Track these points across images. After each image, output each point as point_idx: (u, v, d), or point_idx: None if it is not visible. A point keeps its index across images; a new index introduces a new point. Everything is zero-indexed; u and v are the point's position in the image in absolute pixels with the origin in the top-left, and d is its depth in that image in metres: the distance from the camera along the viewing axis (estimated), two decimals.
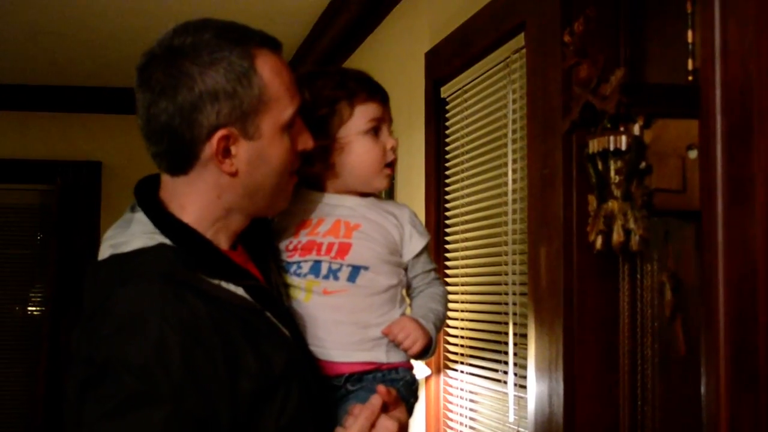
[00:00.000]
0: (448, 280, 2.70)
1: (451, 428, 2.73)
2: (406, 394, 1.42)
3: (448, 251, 2.75)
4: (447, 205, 2.78)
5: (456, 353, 2.68)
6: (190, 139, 1.25)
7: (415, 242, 1.49)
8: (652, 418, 1.67)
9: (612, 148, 1.44)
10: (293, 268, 1.44)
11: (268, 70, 1.28)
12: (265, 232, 1.45)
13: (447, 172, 2.78)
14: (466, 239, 2.61)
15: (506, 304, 2.29)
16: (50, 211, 5.36)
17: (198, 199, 1.30)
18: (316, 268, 1.42)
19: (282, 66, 1.31)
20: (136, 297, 1.20)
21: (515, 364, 2.22)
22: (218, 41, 1.25)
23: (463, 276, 2.63)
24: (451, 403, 2.75)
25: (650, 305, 1.67)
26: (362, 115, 1.46)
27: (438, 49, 2.75)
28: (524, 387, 2.09)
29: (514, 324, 2.23)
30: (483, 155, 2.48)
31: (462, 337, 2.62)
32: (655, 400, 1.67)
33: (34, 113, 5.38)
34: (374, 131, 1.47)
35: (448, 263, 2.75)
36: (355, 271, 1.42)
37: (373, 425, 1.29)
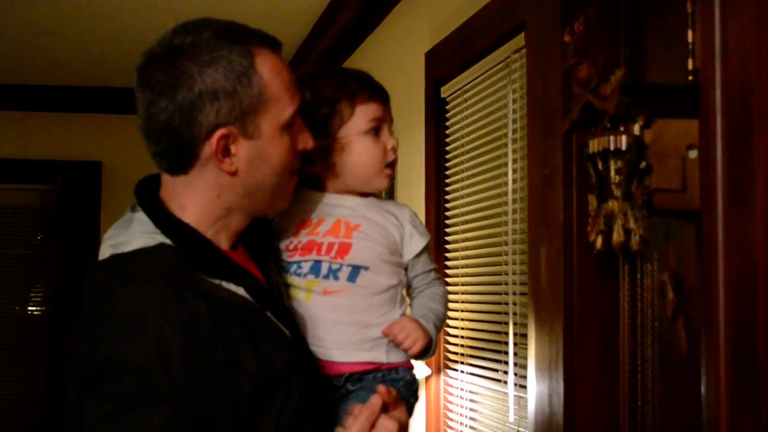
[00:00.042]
0: (448, 280, 2.70)
1: (451, 428, 2.73)
2: (406, 394, 1.42)
3: (448, 251, 2.75)
4: (447, 205, 2.78)
5: (456, 353, 2.68)
6: (189, 138, 1.25)
7: (416, 242, 1.49)
8: (652, 418, 1.67)
9: (612, 147, 1.44)
10: (293, 267, 1.44)
11: (267, 70, 1.28)
12: (266, 232, 1.45)
13: (447, 172, 2.78)
14: (466, 239, 2.61)
15: (506, 304, 2.29)
16: (50, 211, 5.36)
17: (198, 199, 1.30)
18: (316, 268, 1.42)
19: (282, 65, 1.31)
20: (137, 297, 1.20)
21: (515, 364, 2.22)
22: (218, 40, 1.25)
23: (463, 276, 2.63)
24: (451, 403, 2.75)
25: (650, 305, 1.67)
26: (363, 115, 1.46)
27: (438, 49, 2.75)
28: (524, 387, 2.09)
29: (514, 324, 2.23)
30: (483, 155, 2.48)
31: (462, 337, 2.62)
32: (655, 400, 1.67)
33: (34, 113, 5.39)
34: (375, 131, 1.47)
35: (448, 263, 2.75)
36: (356, 271, 1.42)
37: (373, 425, 1.29)
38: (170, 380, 1.15)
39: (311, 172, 1.46)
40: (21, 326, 5.48)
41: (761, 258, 1.06)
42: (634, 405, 1.73)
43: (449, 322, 2.63)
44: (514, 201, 2.23)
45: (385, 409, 1.31)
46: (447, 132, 2.78)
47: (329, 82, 1.46)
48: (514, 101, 2.25)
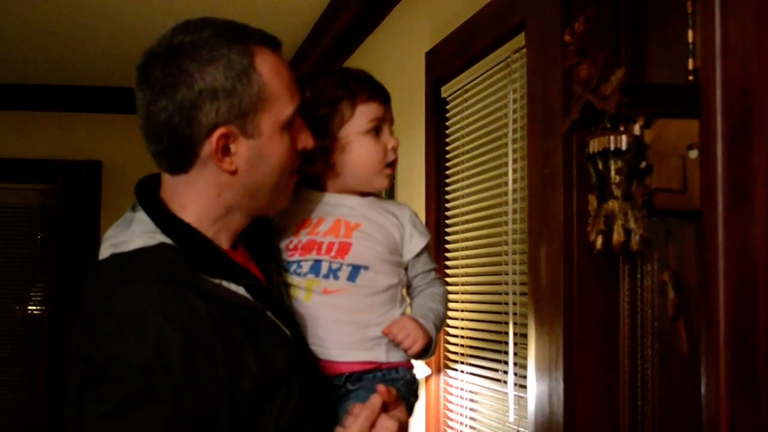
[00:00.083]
0: (448, 280, 2.70)
1: (451, 428, 2.73)
2: (406, 393, 1.42)
3: (448, 251, 2.75)
4: (447, 205, 2.78)
5: (456, 353, 2.68)
6: (189, 138, 1.25)
7: (416, 242, 1.49)
8: (652, 418, 1.67)
9: (612, 147, 1.44)
10: (293, 267, 1.44)
11: (267, 69, 1.27)
12: (266, 232, 1.45)
13: (447, 172, 2.78)
14: (466, 239, 2.61)
15: (506, 304, 2.29)
16: (50, 210, 5.36)
17: (198, 198, 1.30)
18: (316, 268, 1.42)
19: (281, 64, 1.31)
20: (137, 296, 1.20)
21: (515, 364, 2.22)
22: (217, 39, 1.25)
23: (463, 276, 2.63)
24: (451, 402, 2.75)
25: (650, 305, 1.67)
26: (363, 114, 1.46)
27: (438, 49, 2.75)
28: (524, 387, 2.09)
29: (514, 324, 2.23)
30: (483, 155, 2.48)
31: (462, 337, 2.62)
32: (655, 400, 1.67)
33: (34, 113, 5.39)
34: (375, 131, 1.47)
35: (448, 263, 2.75)
36: (355, 270, 1.42)
37: (373, 425, 1.29)
38: (170, 380, 1.15)
39: (311, 172, 1.46)
40: (21, 326, 5.48)
41: (761, 258, 1.06)
42: (634, 405, 1.73)
43: (449, 322, 2.63)
44: (514, 201, 2.23)
45: (385, 408, 1.31)
46: (447, 132, 2.78)
47: (330, 81, 1.46)
48: (515, 101, 2.25)
